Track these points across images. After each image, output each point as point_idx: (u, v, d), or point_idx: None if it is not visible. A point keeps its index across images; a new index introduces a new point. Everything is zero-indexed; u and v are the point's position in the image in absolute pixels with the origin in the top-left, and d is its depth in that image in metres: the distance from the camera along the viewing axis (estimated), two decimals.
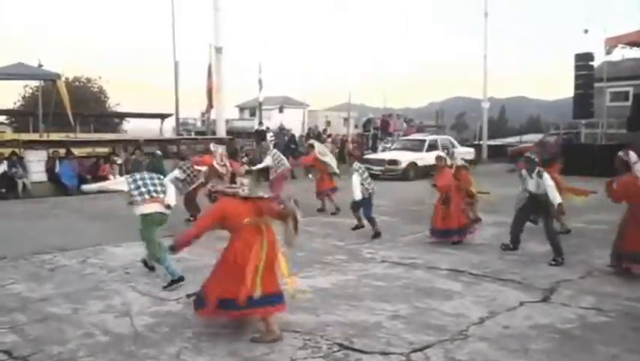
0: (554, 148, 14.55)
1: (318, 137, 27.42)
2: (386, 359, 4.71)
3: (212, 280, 5.23)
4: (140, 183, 6.92)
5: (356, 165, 10.25)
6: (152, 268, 7.33)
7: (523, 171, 8.24)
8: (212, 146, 12.10)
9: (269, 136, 24.37)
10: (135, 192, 6.83)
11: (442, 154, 10.33)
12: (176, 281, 6.69)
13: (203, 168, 11.08)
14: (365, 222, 10.09)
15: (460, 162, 9.94)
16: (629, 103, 24.30)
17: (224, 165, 10.87)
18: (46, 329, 5.41)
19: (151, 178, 7.06)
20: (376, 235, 9.79)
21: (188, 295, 6.03)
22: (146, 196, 6.86)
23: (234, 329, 5.36)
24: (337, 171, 12.89)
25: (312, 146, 13.14)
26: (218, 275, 5.20)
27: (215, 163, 10.82)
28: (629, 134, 22.53)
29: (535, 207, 8.13)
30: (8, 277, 7.28)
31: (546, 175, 7.93)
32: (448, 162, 9.69)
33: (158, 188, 7.00)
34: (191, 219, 10.90)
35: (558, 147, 14.89)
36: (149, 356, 4.76)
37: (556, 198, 7.81)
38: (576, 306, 6.09)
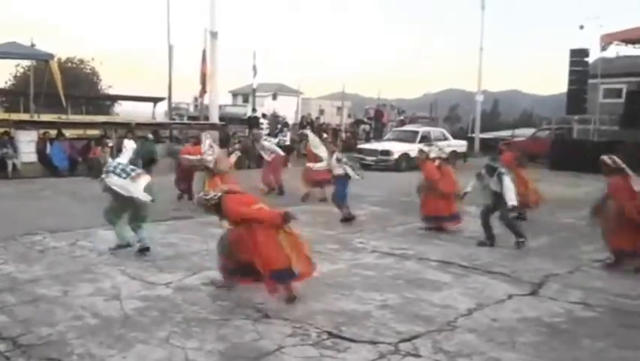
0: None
1: (311, 125, 27.38)
2: (375, 348, 4.73)
3: None
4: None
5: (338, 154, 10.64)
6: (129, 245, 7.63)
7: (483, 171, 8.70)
8: (202, 135, 12.15)
9: (264, 123, 24.30)
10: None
11: (425, 148, 10.69)
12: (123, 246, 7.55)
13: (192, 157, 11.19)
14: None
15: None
16: (622, 100, 24.38)
17: (212, 154, 10.83)
18: (35, 311, 5.40)
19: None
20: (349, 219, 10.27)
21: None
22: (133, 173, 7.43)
23: (224, 315, 5.38)
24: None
25: (305, 136, 13.06)
26: None
27: (203, 152, 10.91)
28: (622, 132, 22.64)
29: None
30: None
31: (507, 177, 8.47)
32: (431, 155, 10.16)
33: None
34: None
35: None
36: (138, 340, 4.76)
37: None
38: (564, 300, 6.14)
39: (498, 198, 8.49)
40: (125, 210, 7.54)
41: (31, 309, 5.43)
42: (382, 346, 4.78)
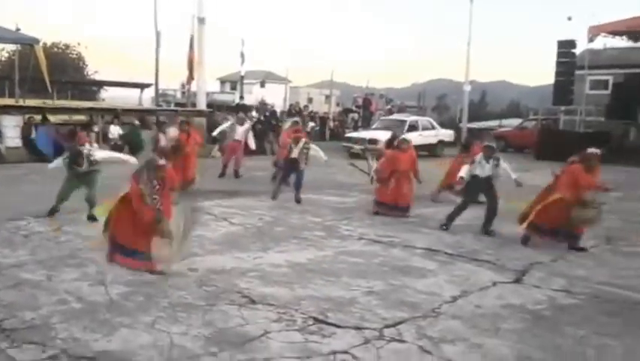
0: None
1: (300, 113, 27.31)
2: (359, 334, 4.76)
3: None
4: None
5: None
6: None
7: (478, 157, 8.78)
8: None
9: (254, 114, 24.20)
10: None
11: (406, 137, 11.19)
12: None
13: None
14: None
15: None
16: (608, 92, 24.59)
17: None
18: (19, 295, 5.36)
19: None
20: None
21: None
22: None
23: (210, 300, 5.38)
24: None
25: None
26: None
27: None
28: (607, 123, 22.83)
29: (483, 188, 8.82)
30: None
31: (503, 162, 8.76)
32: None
33: None
34: None
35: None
36: (123, 325, 4.75)
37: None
38: (547, 288, 6.21)
39: (489, 185, 8.68)
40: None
41: (14, 293, 5.40)
42: (367, 331, 4.82)
